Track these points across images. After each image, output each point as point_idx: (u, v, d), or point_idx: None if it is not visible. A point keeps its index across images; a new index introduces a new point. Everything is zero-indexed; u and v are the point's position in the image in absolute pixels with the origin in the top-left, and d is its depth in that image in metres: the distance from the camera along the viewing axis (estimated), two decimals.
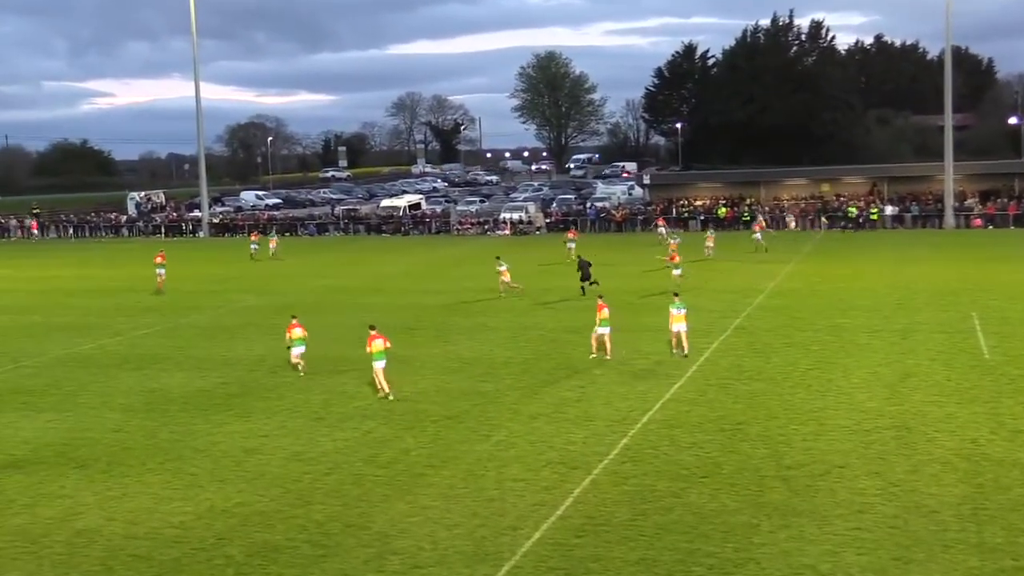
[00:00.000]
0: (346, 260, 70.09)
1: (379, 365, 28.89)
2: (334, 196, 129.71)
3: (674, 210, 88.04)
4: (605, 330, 33.04)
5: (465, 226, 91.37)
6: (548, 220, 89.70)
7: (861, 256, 61.64)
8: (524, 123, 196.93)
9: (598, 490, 20.59)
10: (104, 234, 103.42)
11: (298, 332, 32.76)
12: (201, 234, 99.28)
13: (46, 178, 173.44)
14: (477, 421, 26.18)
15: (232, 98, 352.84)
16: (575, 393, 28.77)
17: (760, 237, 66.26)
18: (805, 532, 18.17)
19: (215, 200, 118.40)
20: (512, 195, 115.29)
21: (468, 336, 38.39)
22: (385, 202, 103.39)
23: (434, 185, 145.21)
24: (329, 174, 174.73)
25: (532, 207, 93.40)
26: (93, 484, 22.11)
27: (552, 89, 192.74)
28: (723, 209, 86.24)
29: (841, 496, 19.87)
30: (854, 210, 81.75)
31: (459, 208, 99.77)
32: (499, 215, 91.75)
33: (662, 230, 75.81)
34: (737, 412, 26.23)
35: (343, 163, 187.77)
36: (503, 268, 48.96)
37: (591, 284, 47.01)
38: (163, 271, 56.14)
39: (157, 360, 35.78)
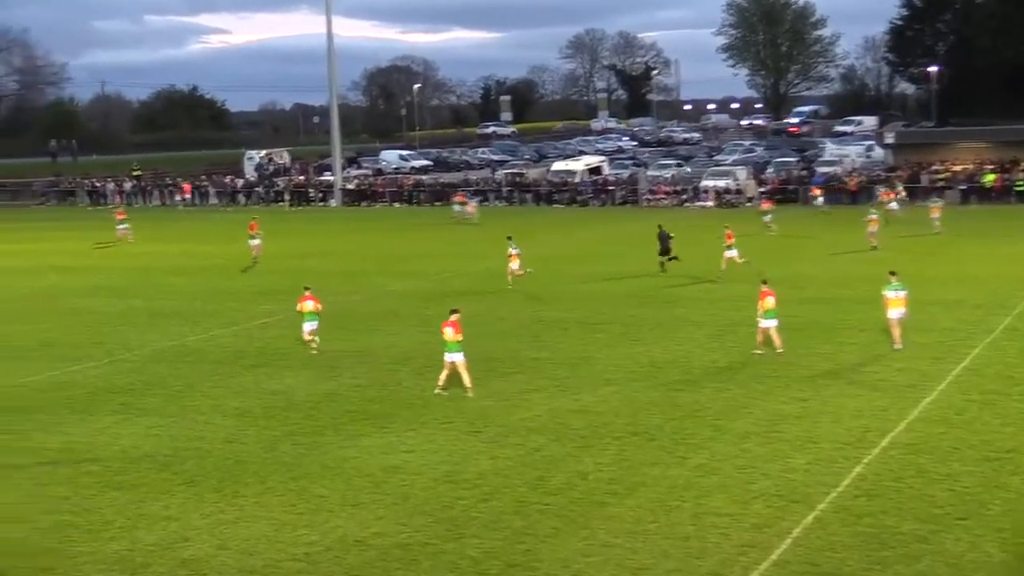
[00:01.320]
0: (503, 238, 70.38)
1: (456, 358, 30.17)
2: (495, 157, 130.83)
3: (924, 177, 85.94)
4: (771, 323, 33.79)
5: (658, 195, 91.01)
6: (762, 189, 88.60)
7: None
8: (733, 67, 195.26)
9: (824, 531, 20.25)
10: (217, 201, 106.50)
11: (309, 305, 36.10)
12: (333, 202, 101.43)
13: (149, 133, 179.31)
14: (671, 439, 26.07)
15: (372, 36, 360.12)
16: (795, 407, 28.39)
17: (896, 206, 68.22)
18: None
19: (350, 161, 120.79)
20: (717, 157, 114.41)
21: (662, 333, 38.30)
22: (558, 165, 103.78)
23: (619, 144, 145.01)
24: (489, 130, 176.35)
25: (742, 172, 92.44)
26: (202, 505, 22.74)
27: (769, 24, 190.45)
28: (990, 176, 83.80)
29: None
30: None
31: (650, 173, 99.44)
32: (700, 182, 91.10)
33: (820, 200, 78.04)
34: (1006, 437, 25.46)
35: (506, 116, 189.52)
36: (514, 252, 49.06)
37: (670, 260, 51.30)
38: (258, 241, 58.76)
39: (279, 355, 36.70)
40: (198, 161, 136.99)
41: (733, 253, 50.10)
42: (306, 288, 37.04)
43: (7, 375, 34.90)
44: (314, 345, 36.26)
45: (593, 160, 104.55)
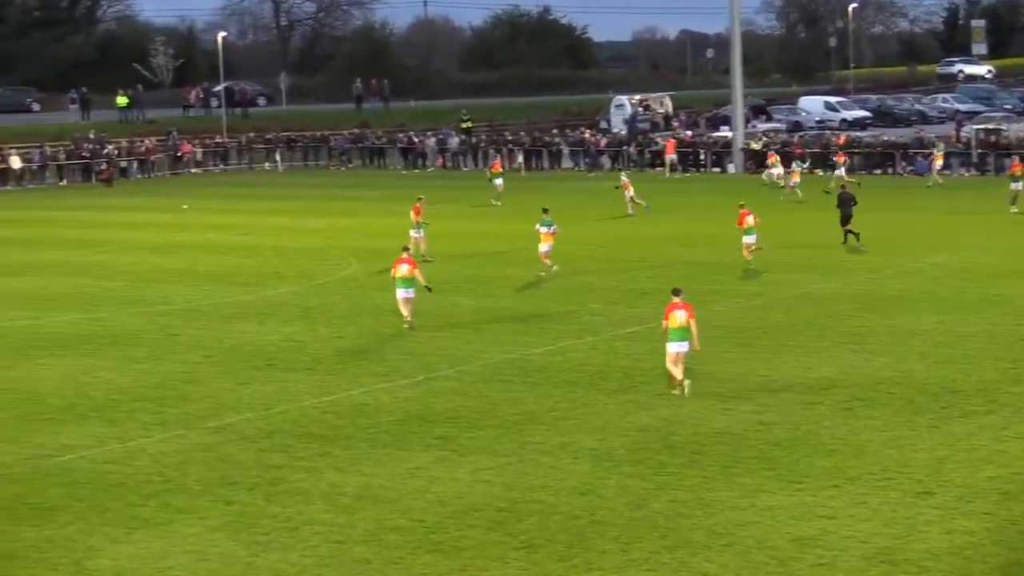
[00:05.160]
0: (974, 222, 68.84)
1: (679, 348, 33.97)
2: (962, 107, 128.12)
3: None
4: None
5: None
6: None
7: None
8: None
9: None
10: (572, 165, 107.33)
11: (404, 269, 41.61)
12: (731, 167, 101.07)
13: (484, 70, 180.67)
14: None
15: None
16: None
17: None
18: None
19: (757, 111, 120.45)
20: None
21: None
22: None
23: None
24: (954, 68, 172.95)
25: None
26: None
27: None
28: None
29: None
30: None
31: None
32: None
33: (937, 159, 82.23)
34: None
35: (980, 50, 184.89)
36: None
37: (849, 232, 58.16)
38: (420, 232, 57.47)
39: (653, 378, 36.72)
40: (549, 109, 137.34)
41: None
42: (404, 249, 43.56)
43: (297, 393, 36.10)
44: (406, 321, 42.39)
45: None
